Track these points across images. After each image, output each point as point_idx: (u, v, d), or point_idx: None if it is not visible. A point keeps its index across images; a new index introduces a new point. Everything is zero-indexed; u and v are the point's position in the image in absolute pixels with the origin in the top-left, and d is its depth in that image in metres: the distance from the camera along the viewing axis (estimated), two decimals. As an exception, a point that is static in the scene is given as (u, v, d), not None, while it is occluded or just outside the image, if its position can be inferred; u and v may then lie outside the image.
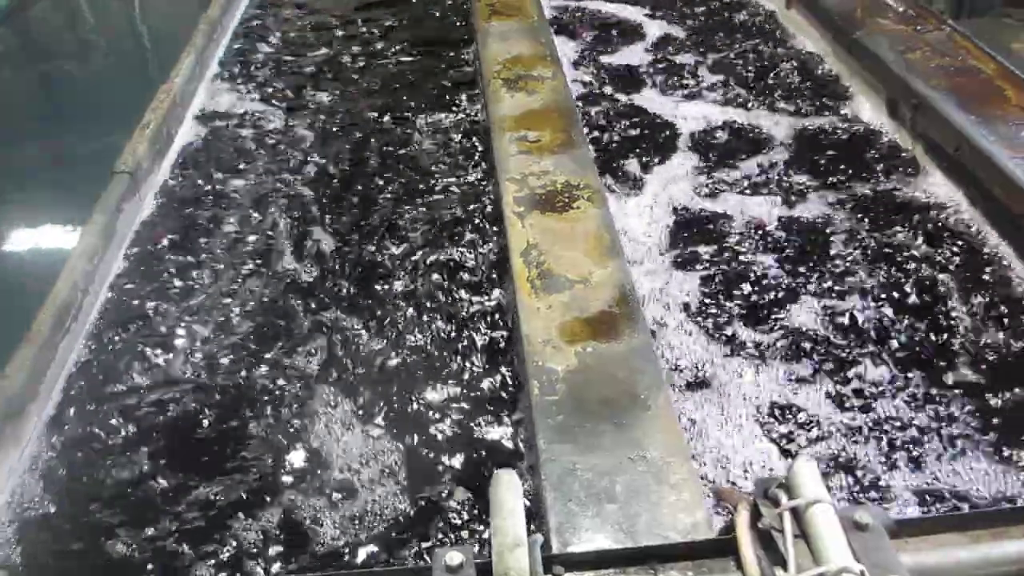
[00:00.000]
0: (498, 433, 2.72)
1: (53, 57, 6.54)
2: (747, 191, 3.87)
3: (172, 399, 2.84)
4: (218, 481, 2.56)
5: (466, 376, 2.94)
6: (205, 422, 2.76)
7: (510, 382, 2.88)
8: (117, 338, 3.08)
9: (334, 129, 4.55)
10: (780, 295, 3.24)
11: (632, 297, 2.87)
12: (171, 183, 4.05)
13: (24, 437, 2.61)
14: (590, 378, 2.53)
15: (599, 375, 2.54)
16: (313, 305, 3.27)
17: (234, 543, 2.37)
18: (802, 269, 3.37)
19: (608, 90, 4.85)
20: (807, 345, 3.01)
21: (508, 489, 1.80)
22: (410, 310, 3.22)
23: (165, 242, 3.61)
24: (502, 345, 3.03)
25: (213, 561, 2.33)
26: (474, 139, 4.34)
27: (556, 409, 2.42)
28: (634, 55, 5.25)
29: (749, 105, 4.57)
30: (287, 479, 2.58)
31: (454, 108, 4.72)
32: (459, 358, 3.01)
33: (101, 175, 3.79)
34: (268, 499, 2.51)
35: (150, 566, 2.33)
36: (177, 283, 3.38)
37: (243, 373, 2.96)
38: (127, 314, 3.20)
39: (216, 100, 4.88)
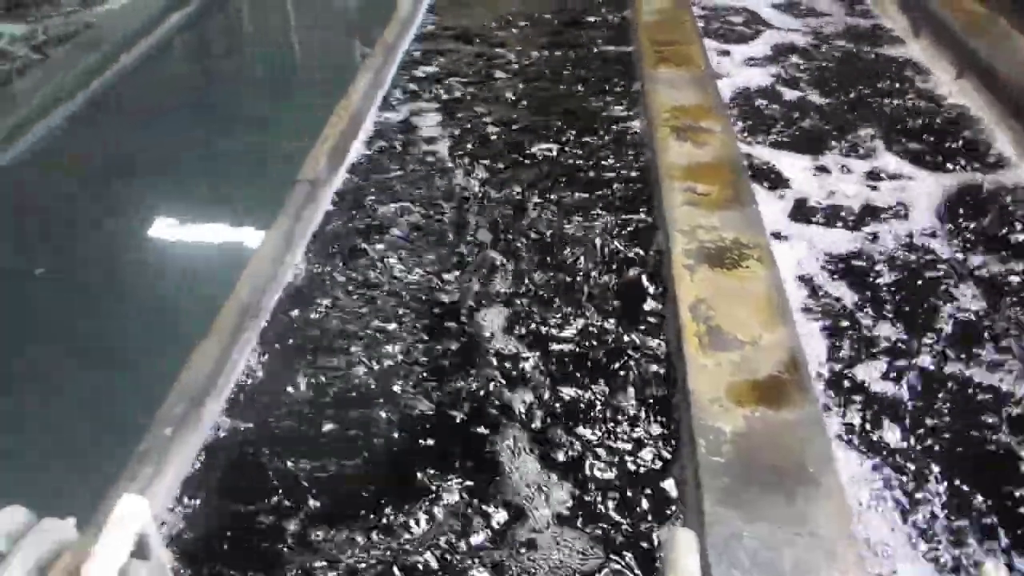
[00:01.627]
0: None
1: (239, 65, 6.94)
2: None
3: (336, 399, 2.95)
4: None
5: (623, 420, 2.92)
6: (373, 432, 2.83)
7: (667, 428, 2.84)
8: (289, 339, 3.21)
9: (490, 146, 4.66)
10: None
11: (802, 365, 2.80)
12: (345, 192, 4.22)
13: (204, 424, 2.74)
14: (758, 443, 2.47)
15: (767, 441, 2.48)
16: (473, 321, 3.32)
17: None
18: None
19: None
20: None
21: (687, 550, 1.78)
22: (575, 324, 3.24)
23: (337, 248, 3.76)
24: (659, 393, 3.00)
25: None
26: (637, 186, 4.33)
27: (723, 471, 2.37)
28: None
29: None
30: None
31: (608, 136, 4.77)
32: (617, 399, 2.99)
33: (280, 180, 4.00)
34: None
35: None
36: (348, 288, 3.50)
37: (413, 383, 3.02)
38: (301, 315, 3.34)
39: (386, 116, 5.07)
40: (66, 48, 6.03)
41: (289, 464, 2.69)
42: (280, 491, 2.61)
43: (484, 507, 2.59)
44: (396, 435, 2.85)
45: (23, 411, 3.02)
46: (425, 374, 3.09)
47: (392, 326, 3.32)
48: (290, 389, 2.98)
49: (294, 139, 4.97)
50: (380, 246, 3.80)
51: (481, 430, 2.87)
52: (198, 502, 2.55)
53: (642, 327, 3.31)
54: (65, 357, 3.26)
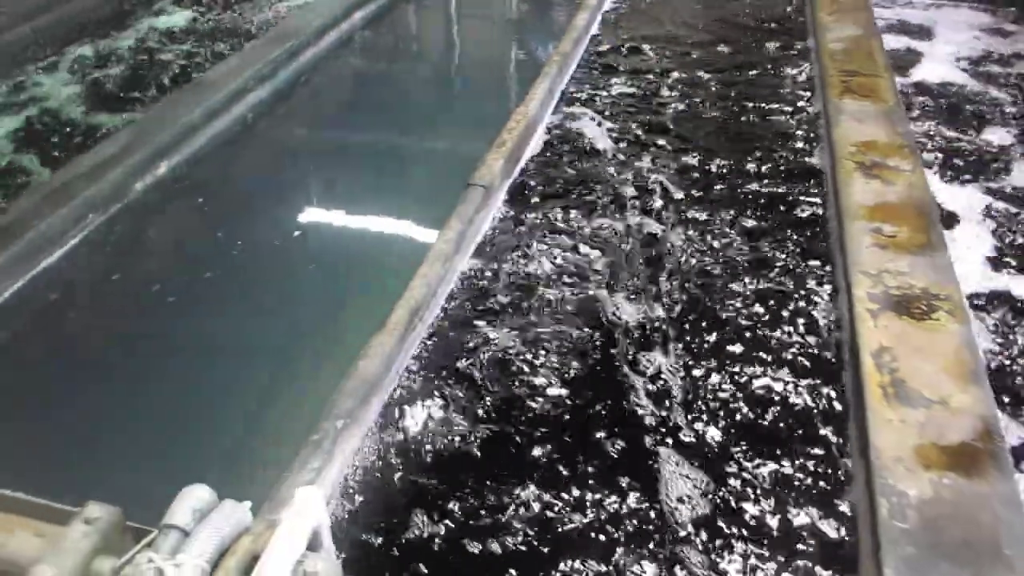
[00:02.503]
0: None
1: (417, 65, 7.15)
2: None
3: (498, 397, 2.97)
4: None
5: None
6: (532, 433, 2.82)
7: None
8: (456, 338, 3.25)
9: (662, 159, 4.59)
10: None
11: (997, 434, 2.58)
12: (516, 197, 4.24)
13: (372, 417, 2.80)
14: (947, 513, 2.29)
15: (957, 513, 2.30)
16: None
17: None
18: None
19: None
20: None
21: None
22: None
23: (505, 251, 3.79)
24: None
25: None
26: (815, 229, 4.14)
27: (907, 539, 2.21)
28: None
29: None
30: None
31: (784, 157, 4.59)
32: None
33: (453, 182, 4.07)
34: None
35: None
36: (514, 291, 3.52)
37: (575, 385, 3.00)
38: (467, 315, 3.37)
39: (560, 124, 5.07)
40: (259, 40, 6.38)
41: (451, 459, 2.73)
42: (441, 484, 2.64)
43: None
44: (558, 431, 2.84)
45: (205, 396, 3.18)
46: (586, 377, 3.06)
47: (555, 330, 3.31)
48: (454, 385, 3.02)
49: (468, 141, 5.06)
50: (548, 252, 3.79)
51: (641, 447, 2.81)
52: (362, 493, 2.60)
53: (812, 370, 3.16)
54: (239, 347, 3.42)
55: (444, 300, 3.43)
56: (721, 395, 3.04)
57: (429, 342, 3.22)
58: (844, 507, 2.59)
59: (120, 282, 3.79)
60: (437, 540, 2.47)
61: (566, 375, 3.10)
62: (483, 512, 2.56)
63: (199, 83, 5.53)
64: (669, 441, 2.84)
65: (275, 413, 3.04)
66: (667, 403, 3.00)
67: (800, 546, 2.48)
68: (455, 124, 5.60)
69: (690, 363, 3.18)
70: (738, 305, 3.50)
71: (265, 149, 5.26)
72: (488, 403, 2.95)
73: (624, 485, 2.68)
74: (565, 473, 2.72)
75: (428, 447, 2.77)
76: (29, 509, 2.06)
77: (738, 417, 2.94)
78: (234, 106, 5.40)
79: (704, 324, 3.39)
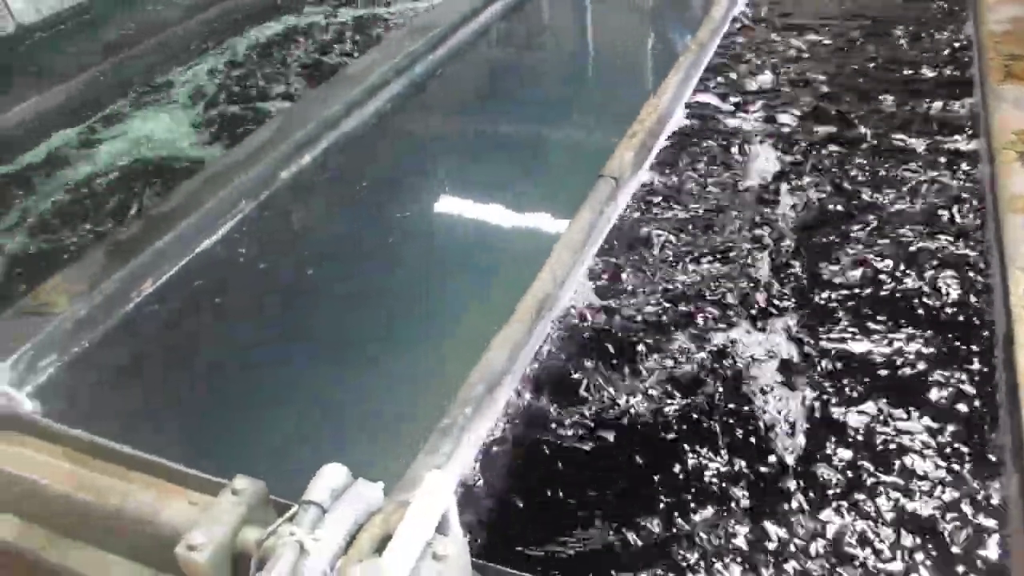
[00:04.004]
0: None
1: (550, 56, 7.18)
2: None
3: (622, 389, 2.96)
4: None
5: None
6: (655, 421, 2.81)
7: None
8: (583, 331, 3.25)
9: (803, 154, 4.43)
10: None
11: None
12: (647, 190, 4.20)
13: (499, 405, 2.86)
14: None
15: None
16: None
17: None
18: None
19: None
20: None
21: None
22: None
23: (634, 245, 3.76)
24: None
25: None
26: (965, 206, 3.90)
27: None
28: None
29: None
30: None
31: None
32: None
33: (583, 174, 4.07)
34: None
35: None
36: (641, 285, 3.50)
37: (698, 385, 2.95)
38: (593, 308, 3.37)
39: (694, 116, 4.97)
40: (399, 32, 6.55)
41: (573, 450, 2.75)
42: (564, 475, 2.67)
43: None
44: (677, 425, 2.81)
45: (339, 379, 3.33)
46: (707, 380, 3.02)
47: (681, 323, 3.26)
48: (579, 377, 3.03)
49: (598, 133, 5.05)
50: (676, 247, 3.74)
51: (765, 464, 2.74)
52: (487, 480, 2.67)
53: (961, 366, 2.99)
54: (371, 331, 3.56)
55: (572, 293, 3.45)
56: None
57: (556, 333, 3.25)
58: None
59: (268, 267, 4.01)
60: (559, 530, 2.50)
61: (689, 373, 3.06)
62: (610, 506, 2.57)
63: (341, 77, 5.75)
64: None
65: (404, 398, 3.15)
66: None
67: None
68: (588, 115, 5.59)
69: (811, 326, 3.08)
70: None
71: (402, 141, 5.41)
72: (611, 396, 2.96)
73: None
74: (706, 468, 2.69)
75: (551, 437, 2.80)
76: (181, 478, 2.21)
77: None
78: (373, 99, 5.59)
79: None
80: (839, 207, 3.99)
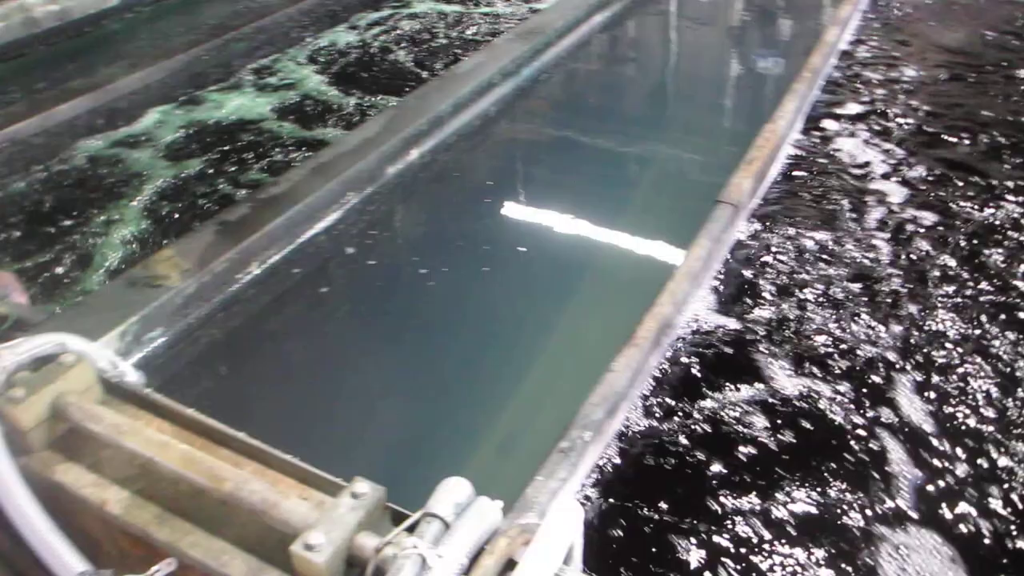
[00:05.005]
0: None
1: (653, 72, 7.07)
2: None
3: (735, 418, 2.83)
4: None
5: None
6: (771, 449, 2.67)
7: None
8: (698, 356, 3.13)
9: (922, 186, 4.23)
10: None
11: None
12: (763, 217, 4.07)
13: (616, 429, 2.75)
14: None
15: None
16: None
17: None
18: None
19: None
20: None
21: None
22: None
23: (751, 273, 3.62)
24: None
25: None
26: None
27: None
28: None
29: None
30: None
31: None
32: None
33: (694, 197, 3.95)
34: None
35: None
36: (759, 313, 3.36)
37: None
38: (709, 336, 3.25)
39: (808, 142, 4.82)
40: (506, 36, 6.51)
41: (691, 474, 2.64)
42: (682, 501, 2.56)
43: None
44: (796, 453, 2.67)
45: (440, 384, 3.26)
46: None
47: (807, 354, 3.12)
48: (700, 403, 2.92)
49: (707, 156, 4.92)
50: (791, 275, 3.60)
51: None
52: (602, 504, 2.56)
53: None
54: (472, 343, 3.48)
55: (688, 318, 3.32)
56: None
57: (674, 358, 3.13)
58: None
59: (368, 260, 3.97)
60: (672, 560, 2.39)
61: (813, 415, 2.91)
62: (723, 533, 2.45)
63: (449, 75, 5.72)
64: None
65: (513, 414, 3.06)
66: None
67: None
68: (695, 135, 5.46)
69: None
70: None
71: (505, 144, 5.35)
72: (728, 420, 2.84)
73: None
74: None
75: (670, 461, 2.68)
76: (299, 473, 2.15)
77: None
78: (479, 100, 5.53)
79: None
80: (961, 241, 3.81)
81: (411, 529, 1.89)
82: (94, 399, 2.35)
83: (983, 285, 3.57)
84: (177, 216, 4.46)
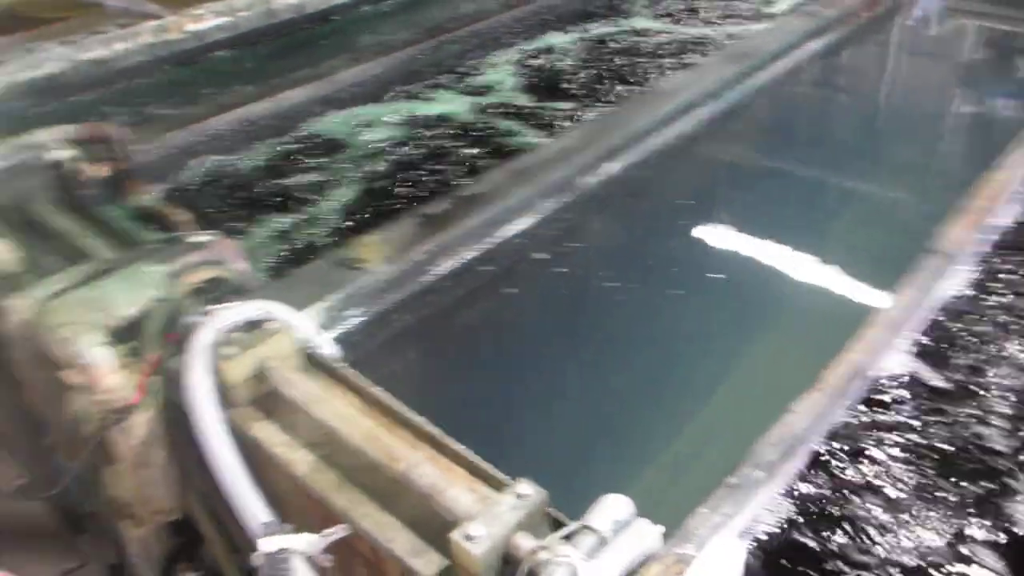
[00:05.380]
0: None
1: (868, 106, 6.72)
2: None
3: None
4: None
5: None
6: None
7: None
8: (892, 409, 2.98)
9: None
10: None
11: None
12: (976, 272, 3.77)
13: (788, 472, 2.66)
14: None
15: None
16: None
17: None
18: None
19: None
20: None
21: None
22: None
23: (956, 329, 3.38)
24: None
25: None
26: None
27: None
28: None
29: None
30: None
31: None
32: None
33: (904, 240, 3.72)
34: None
35: None
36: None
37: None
38: (907, 390, 3.07)
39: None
40: (713, 57, 6.40)
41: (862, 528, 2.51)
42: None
43: None
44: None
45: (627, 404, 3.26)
46: None
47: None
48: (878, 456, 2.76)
49: (920, 199, 4.62)
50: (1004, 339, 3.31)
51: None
52: (766, 548, 2.49)
53: None
54: (664, 371, 3.45)
55: (884, 370, 3.14)
56: None
57: (862, 409, 2.98)
58: None
59: (558, 267, 4.03)
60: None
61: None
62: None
63: (652, 92, 5.69)
64: None
65: (685, 441, 3.02)
66: None
67: None
68: (903, 175, 5.13)
69: None
70: None
71: (704, 165, 5.27)
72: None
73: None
74: None
75: (844, 511, 2.56)
76: (469, 465, 2.22)
77: None
78: (681, 119, 5.46)
79: None
80: None
81: (567, 538, 1.91)
82: (293, 366, 2.54)
83: None
84: (383, 194, 4.76)
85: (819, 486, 2.70)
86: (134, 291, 2.65)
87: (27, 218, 3.68)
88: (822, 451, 2.81)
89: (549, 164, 4.50)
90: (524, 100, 6.18)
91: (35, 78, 5.62)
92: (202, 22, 6.36)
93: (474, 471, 2.18)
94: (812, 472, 2.73)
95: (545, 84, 6.46)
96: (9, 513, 4.38)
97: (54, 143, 3.79)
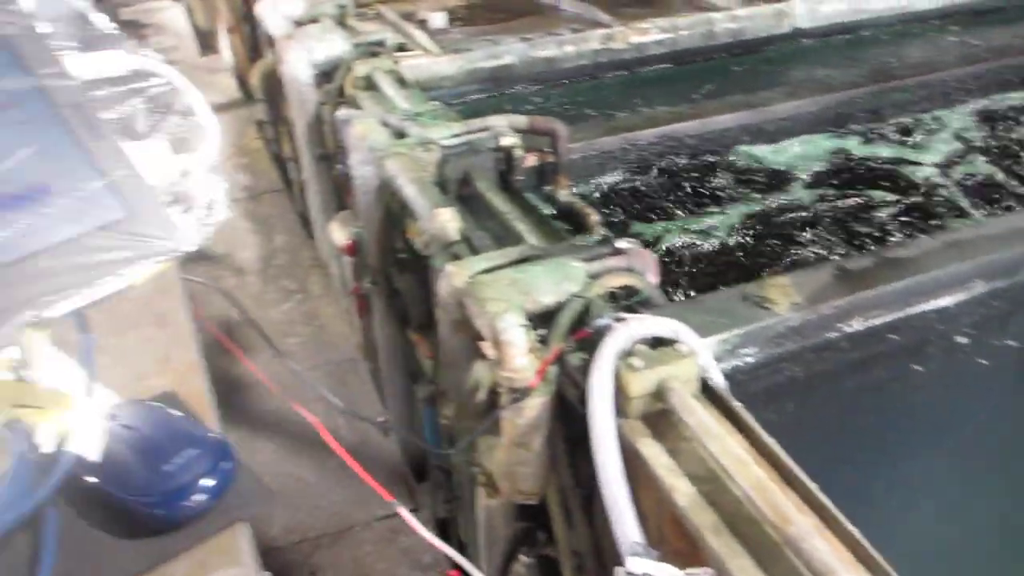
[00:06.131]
0: None
1: None
2: None
3: None
4: None
5: None
6: None
7: None
8: None
9: None
10: None
11: None
12: None
13: None
14: None
15: None
16: None
17: None
18: None
19: None
20: None
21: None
22: None
23: None
24: None
25: None
26: None
27: None
28: None
29: None
30: None
31: None
32: None
33: None
34: None
35: None
36: None
37: None
38: None
39: None
40: None
41: None
42: None
43: None
44: None
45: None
46: None
47: None
48: None
49: None
50: None
51: None
52: None
53: None
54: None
55: None
56: None
57: None
58: None
59: (978, 355, 3.58)
60: None
61: None
62: None
63: None
64: None
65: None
66: None
67: None
68: None
69: None
70: None
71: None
72: None
73: None
74: None
75: None
76: (853, 546, 2.04)
77: None
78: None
79: None
80: None
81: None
82: (691, 391, 2.51)
83: None
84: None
85: None
86: (557, 282, 2.80)
87: (466, 193, 4.09)
88: None
89: (991, 242, 4.00)
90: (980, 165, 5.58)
91: (494, 67, 6.27)
92: (646, 35, 6.62)
93: (863, 558, 2.00)
94: None
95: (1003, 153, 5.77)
96: (368, 443, 4.95)
97: (504, 129, 4.16)
